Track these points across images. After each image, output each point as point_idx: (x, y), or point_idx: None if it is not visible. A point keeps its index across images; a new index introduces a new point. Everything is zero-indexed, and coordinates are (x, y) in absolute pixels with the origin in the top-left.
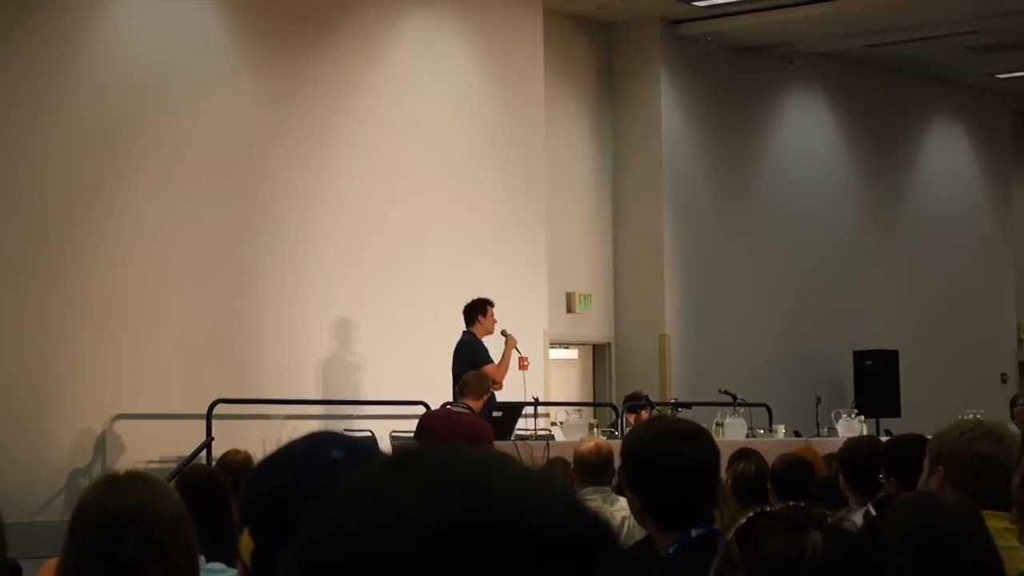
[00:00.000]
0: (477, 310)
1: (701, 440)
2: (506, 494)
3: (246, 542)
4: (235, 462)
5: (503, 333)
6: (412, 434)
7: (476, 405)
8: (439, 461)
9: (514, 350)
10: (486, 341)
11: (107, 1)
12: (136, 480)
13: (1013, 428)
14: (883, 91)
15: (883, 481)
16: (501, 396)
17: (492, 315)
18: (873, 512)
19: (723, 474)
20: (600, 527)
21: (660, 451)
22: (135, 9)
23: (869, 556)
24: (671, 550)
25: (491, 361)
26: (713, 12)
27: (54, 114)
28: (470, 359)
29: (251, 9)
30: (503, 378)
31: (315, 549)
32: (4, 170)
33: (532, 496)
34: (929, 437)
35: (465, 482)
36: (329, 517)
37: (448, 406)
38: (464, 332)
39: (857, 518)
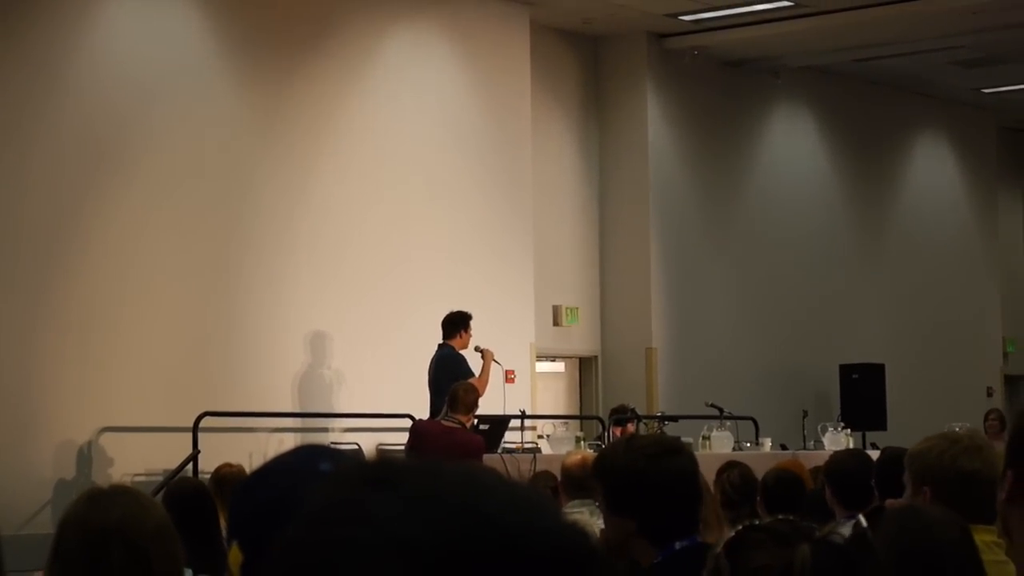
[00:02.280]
0: (459, 324)
1: (680, 454)
2: (497, 513)
3: (235, 555)
4: (229, 475)
5: (477, 349)
6: (401, 447)
7: (466, 420)
8: (423, 479)
9: (493, 363)
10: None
11: (93, 14)
12: (120, 494)
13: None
14: (869, 105)
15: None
16: (487, 408)
17: (471, 330)
18: (864, 523)
19: (711, 487)
20: (588, 539)
21: (640, 468)
22: (121, 22)
23: (857, 569)
24: (656, 561)
25: (472, 374)
26: (700, 26)
27: (37, 128)
28: (454, 373)
29: (237, 23)
30: (483, 392)
31: None
32: None
33: (522, 513)
34: None
35: (453, 502)
36: (310, 542)
37: (442, 420)
38: (441, 345)
39: (845, 531)
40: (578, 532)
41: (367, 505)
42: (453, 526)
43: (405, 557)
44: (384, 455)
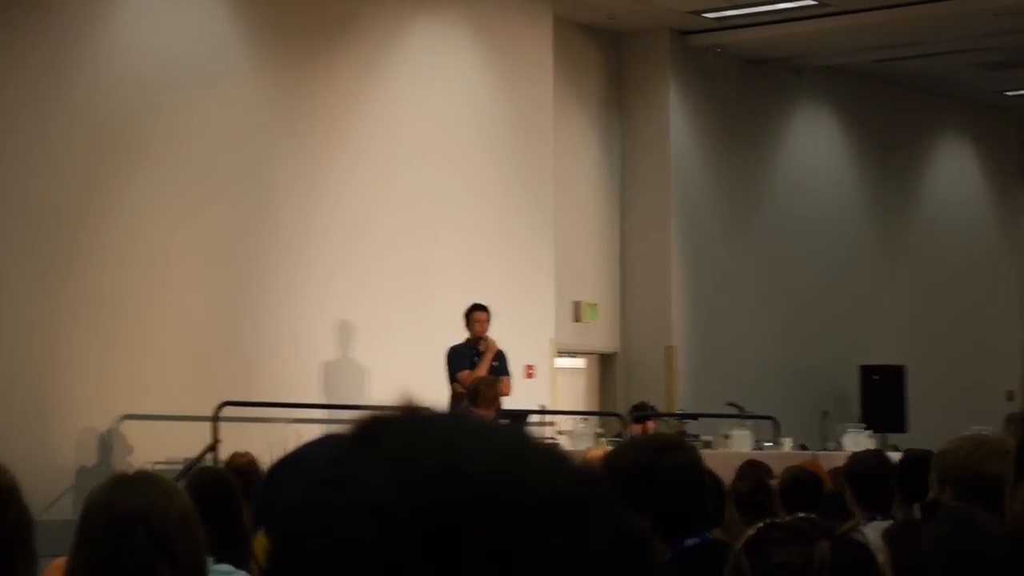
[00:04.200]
0: (465, 316)
1: (682, 449)
2: (477, 468)
3: (261, 543)
4: (242, 464)
5: (482, 340)
6: None
7: (487, 414)
8: (407, 435)
9: (491, 358)
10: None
11: (117, 2)
12: (145, 480)
13: None
14: (891, 106)
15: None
16: (507, 403)
17: (477, 319)
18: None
19: (729, 485)
20: (585, 486)
21: (644, 464)
22: (144, 10)
23: (876, 566)
24: (666, 558)
25: (464, 369)
26: (723, 24)
27: (63, 114)
28: (452, 369)
29: (258, 11)
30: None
31: (287, 545)
32: (13, 171)
33: (506, 465)
34: None
35: (433, 460)
36: (299, 505)
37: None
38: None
39: (866, 531)
40: (575, 478)
41: (352, 467)
42: (433, 488)
43: (382, 522)
44: (383, 411)
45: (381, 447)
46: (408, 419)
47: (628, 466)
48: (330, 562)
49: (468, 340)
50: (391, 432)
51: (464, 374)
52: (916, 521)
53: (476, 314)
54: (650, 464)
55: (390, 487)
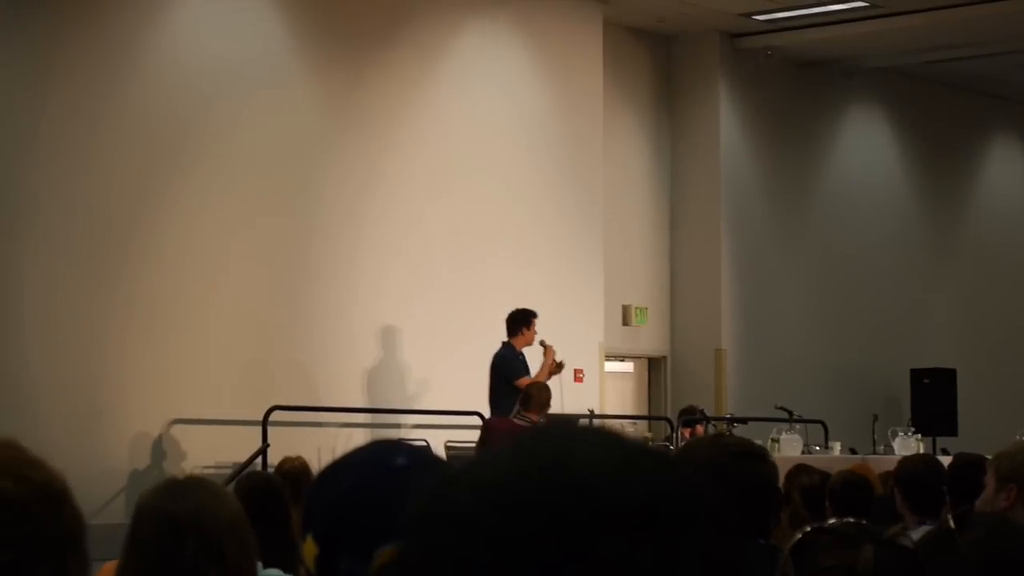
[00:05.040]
0: (521, 322)
1: (764, 462)
2: (583, 468)
3: (310, 547)
4: (293, 468)
5: (542, 343)
6: (468, 445)
7: (538, 418)
8: (532, 437)
9: (554, 360)
10: (526, 352)
11: (170, 6)
12: (195, 484)
13: None
14: (943, 107)
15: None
16: (555, 408)
17: (535, 327)
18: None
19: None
20: (687, 501)
21: (721, 463)
22: (197, 15)
23: (923, 570)
24: None
25: (527, 375)
26: (773, 26)
27: (114, 119)
28: (505, 375)
29: (311, 16)
30: None
31: (412, 514)
32: (66, 174)
33: (611, 470)
34: (990, 457)
35: (546, 457)
36: (412, 551)
37: (514, 418)
38: (504, 343)
39: (915, 536)
40: (677, 491)
41: (482, 457)
42: (540, 478)
43: (490, 501)
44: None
45: (512, 446)
46: (541, 426)
47: (703, 463)
48: (431, 529)
49: (520, 345)
50: (525, 436)
51: (524, 380)
52: (951, 530)
53: (534, 321)
54: (726, 467)
55: (504, 474)
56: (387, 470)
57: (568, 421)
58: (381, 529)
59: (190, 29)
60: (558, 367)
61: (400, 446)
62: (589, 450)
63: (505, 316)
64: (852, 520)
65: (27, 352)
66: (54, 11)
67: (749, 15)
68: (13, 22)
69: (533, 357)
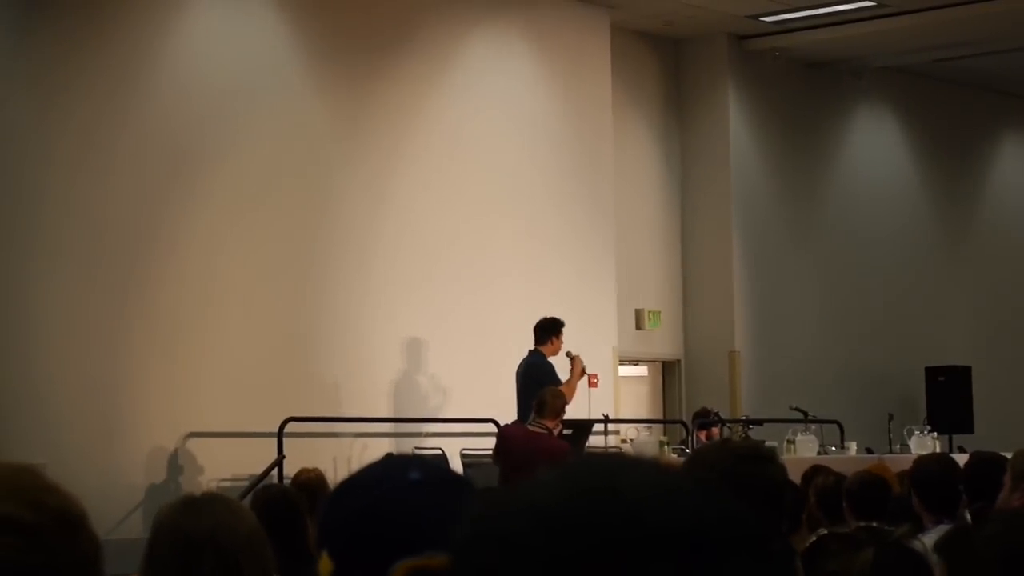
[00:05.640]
0: (551, 331)
1: (771, 463)
2: (632, 493)
3: (325, 564)
4: (309, 480)
5: (568, 354)
6: (485, 452)
7: (553, 425)
8: (579, 464)
9: (583, 370)
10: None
11: (176, 16)
12: (212, 501)
13: None
14: (953, 106)
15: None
16: (570, 413)
17: (562, 337)
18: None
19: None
20: (734, 526)
21: (728, 466)
22: (204, 24)
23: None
24: None
25: (560, 382)
26: (781, 27)
27: (122, 129)
28: (540, 380)
29: (319, 26)
30: (571, 399)
31: (461, 536)
32: (73, 185)
33: (658, 497)
34: (1008, 456)
35: (595, 482)
36: (477, 508)
37: (529, 425)
38: (532, 352)
39: (931, 537)
40: (723, 520)
41: (495, 528)
42: (590, 502)
43: (540, 523)
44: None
45: (562, 471)
46: (591, 455)
47: (708, 468)
48: (483, 547)
49: (548, 354)
50: (575, 463)
51: (561, 388)
52: (968, 528)
53: (562, 330)
54: (731, 471)
55: (554, 498)
56: (401, 485)
57: (614, 453)
58: (396, 544)
59: (198, 43)
60: (585, 376)
61: (414, 460)
62: (636, 476)
63: (516, 322)
64: (866, 525)
65: (45, 366)
66: (67, 30)
67: (756, 17)
68: (28, 42)
69: (557, 367)
